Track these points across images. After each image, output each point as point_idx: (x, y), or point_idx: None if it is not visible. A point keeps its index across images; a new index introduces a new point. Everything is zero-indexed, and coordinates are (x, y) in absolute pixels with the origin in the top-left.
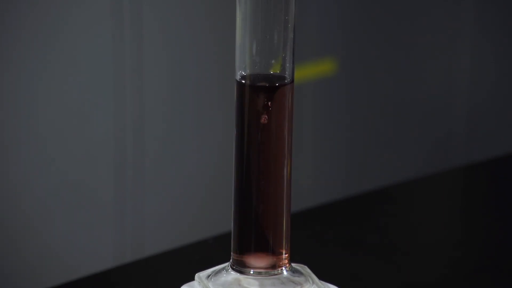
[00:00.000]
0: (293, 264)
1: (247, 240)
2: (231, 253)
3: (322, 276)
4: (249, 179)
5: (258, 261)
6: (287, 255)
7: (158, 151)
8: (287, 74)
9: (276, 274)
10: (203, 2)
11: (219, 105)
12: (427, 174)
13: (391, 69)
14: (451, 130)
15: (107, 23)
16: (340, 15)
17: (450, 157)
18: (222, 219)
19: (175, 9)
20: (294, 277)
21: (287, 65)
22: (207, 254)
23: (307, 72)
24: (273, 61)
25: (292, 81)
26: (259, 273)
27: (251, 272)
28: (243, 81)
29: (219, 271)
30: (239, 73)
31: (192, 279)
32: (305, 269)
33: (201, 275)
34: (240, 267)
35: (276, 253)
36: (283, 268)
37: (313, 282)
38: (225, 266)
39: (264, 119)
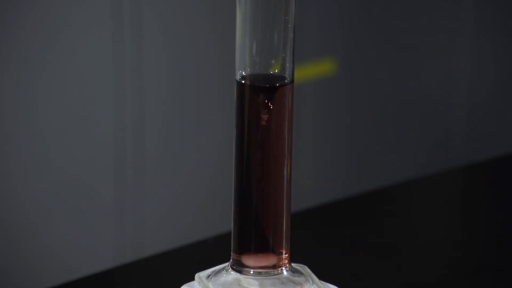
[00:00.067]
0: (293, 264)
1: (247, 240)
2: (231, 253)
3: (322, 276)
4: (249, 179)
5: (258, 261)
6: (287, 255)
7: (158, 151)
8: (287, 74)
9: (276, 274)
10: (203, 2)
11: (219, 105)
12: (427, 174)
13: (391, 69)
14: (451, 130)
15: (107, 23)
16: (340, 15)
17: (450, 157)
18: (222, 219)
19: (175, 9)
20: (294, 277)
21: (287, 65)
22: (207, 254)
23: (307, 72)
24: (273, 61)
25: (292, 81)
26: (259, 273)
27: (251, 272)
28: (243, 81)
29: (219, 271)
30: (239, 73)
31: (192, 279)
32: (305, 269)
33: (201, 275)
34: (240, 267)
35: (276, 253)
36: (283, 268)
37: (313, 282)
38: (225, 266)
39: (264, 120)
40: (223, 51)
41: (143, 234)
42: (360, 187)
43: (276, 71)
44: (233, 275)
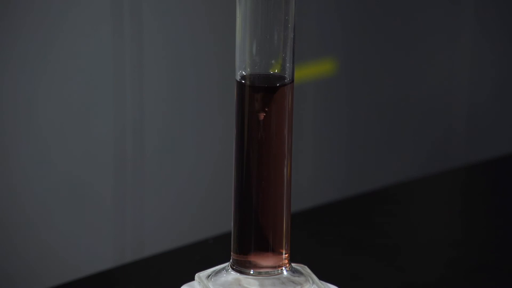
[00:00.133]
0: (293, 264)
1: (247, 240)
2: (231, 253)
3: (322, 276)
4: (249, 179)
5: (258, 261)
6: (287, 255)
7: (158, 151)
8: (287, 74)
9: (276, 274)
10: (203, 2)
11: (219, 105)
12: (427, 174)
13: (391, 69)
14: (451, 130)
15: (107, 23)
16: (340, 15)
17: (450, 157)
18: (222, 219)
19: (175, 9)
20: (294, 277)
21: (287, 65)
22: (207, 254)
23: (307, 72)
24: (273, 61)
25: (292, 81)
26: (259, 273)
27: (251, 272)
28: (243, 81)
29: (219, 271)
30: (239, 73)
31: (192, 279)
32: (305, 269)
33: (201, 275)
34: (240, 267)
35: (276, 253)
36: (283, 268)
37: (313, 282)
38: (225, 266)
39: (262, 115)
40: (223, 51)
41: (143, 234)
42: (360, 187)
43: (276, 71)
44: (233, 275)
